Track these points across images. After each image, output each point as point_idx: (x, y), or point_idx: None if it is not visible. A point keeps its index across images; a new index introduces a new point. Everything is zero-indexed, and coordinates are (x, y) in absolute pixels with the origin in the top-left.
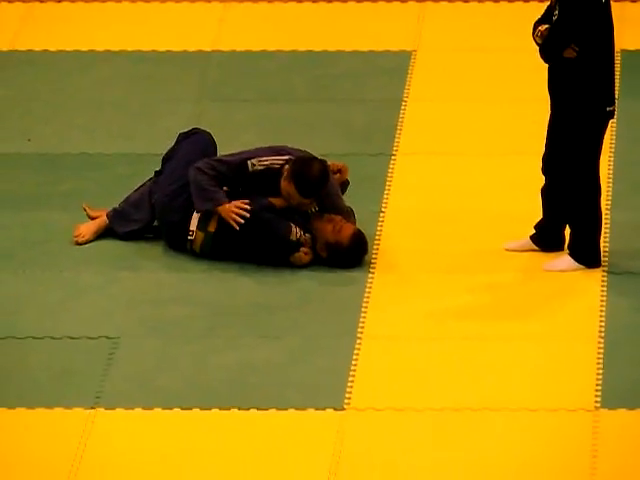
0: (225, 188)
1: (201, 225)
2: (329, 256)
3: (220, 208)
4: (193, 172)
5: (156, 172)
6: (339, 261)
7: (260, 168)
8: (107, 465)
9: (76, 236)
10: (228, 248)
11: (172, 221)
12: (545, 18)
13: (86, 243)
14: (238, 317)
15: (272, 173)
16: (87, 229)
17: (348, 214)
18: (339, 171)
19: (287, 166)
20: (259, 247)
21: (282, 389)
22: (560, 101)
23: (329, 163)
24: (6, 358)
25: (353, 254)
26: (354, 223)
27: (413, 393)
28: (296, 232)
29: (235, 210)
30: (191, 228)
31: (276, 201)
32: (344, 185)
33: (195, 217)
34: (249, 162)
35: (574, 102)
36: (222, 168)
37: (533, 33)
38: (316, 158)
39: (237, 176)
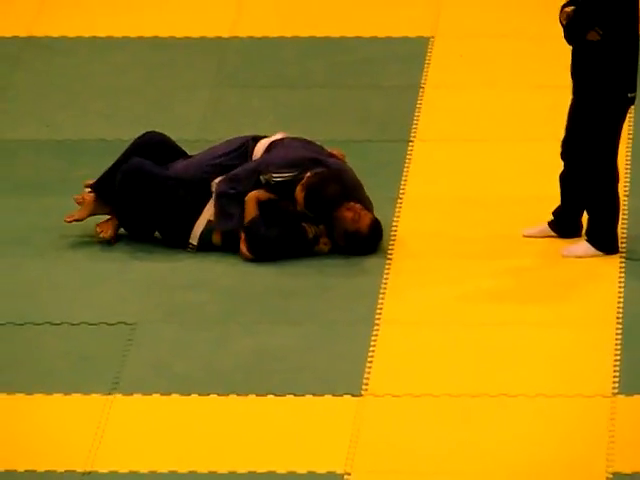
0: None
1: (203, 240)
2: (347, 244)
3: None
4: (216, 196)
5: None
6: (357, 249)
7: (272, 183)
8: (125, 451)
9: (99, 232)
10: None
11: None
12: (573, 1)
13: (111, 239)
14: (255, 303)
15: (284, 185)
16: (107, 225)
17: (368, 203)
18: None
19: (310, 174)
20: (282, 253)
21: (299, 375)
22: (582, 85)
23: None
24: (24, 344)
25: (371, 242)
26: (372, 212)
27: (431, 379)
28: (310, 230)
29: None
30: (191, 241)
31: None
32: None
33: (198, 229)
34: (262, 178)
35: (596, 87)
36: (240, 187)
37: (560, 15)
38: (336, 178)
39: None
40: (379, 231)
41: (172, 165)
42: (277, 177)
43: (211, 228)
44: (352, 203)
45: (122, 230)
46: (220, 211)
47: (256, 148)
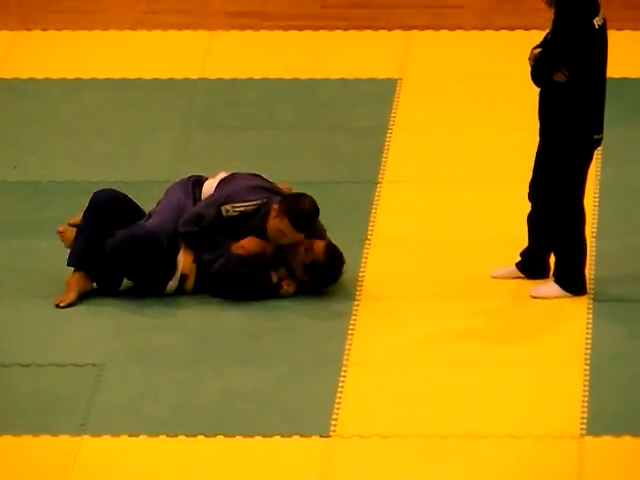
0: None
1: (178, 288)
2: (311, 277)
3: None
4: (182, 234)
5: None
6: (322, 278)
7: (234, 214)
8: None
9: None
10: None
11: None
12: (542, 43)
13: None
14: (223, 344)
15: (245, 216)
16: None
17: (324, 230)
18: None
19: (276, 206)
20: (247, 297)
21: (267, 416)
22: (549, 126)
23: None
24: None
25: (332, 266)
26: (326, 238)
27: (399, 420)
28: (274, 275)
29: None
30: (167, 292)
31: (241, 250)
32: None
33: (174, 283)
34: (223, 209)
35: (562, 128)
36: (203, 222)
37: (529, 56)
38: (302, 193)
39: (217, 223)
40: (336, 254)
41: (140, 223)
42: (239, 207)
43: (184, 277)
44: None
45: None
46: (197, 247)
47: (203, 191)
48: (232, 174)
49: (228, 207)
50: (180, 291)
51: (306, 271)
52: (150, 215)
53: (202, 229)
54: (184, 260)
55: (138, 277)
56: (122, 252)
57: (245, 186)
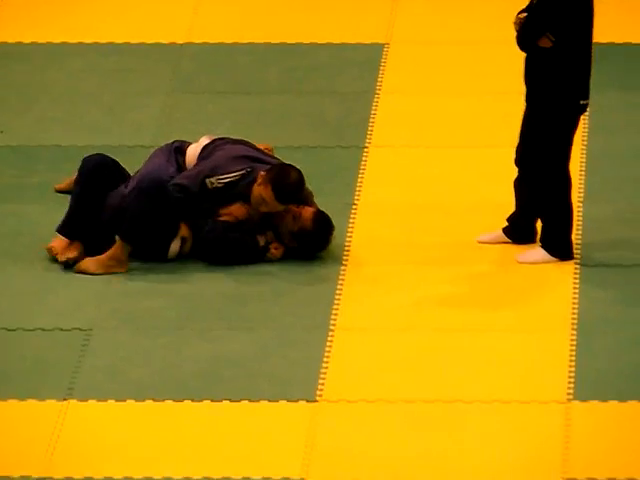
0: None
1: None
2: (299, 244)
3: None
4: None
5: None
6: (310, 245)
7: (219, 186)
8: (80, 456)
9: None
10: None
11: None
12: (527, 7)
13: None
14: (210, 309)
15: (230, 185)
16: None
17: (311, 196)
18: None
19: (262, 172)
20: (235, 261)
21: (254, 381)
22: (534, 92)
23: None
24: None
25: (321, 234)
26: (314, 204)
27: (385, 385)
28: (261, 239)
29: None
30: (170, 257)
31: (228, 217)
32: None
33: (176, 246)
34: (207, 181)
35: (548, 93)
36: (188, 192)
37: (514, 21)
38: (291, 165)
39: (202, 194)
40: (324, 220)
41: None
42: (224, 179)
43: (184, 240)
44: (287, 206)
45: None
46: (187, 216)
47: (187, 157)
48: (214, 140)
49: (213, 180)
50: (179, 255)
51: (294, 239)
52: (130, 180)
53: (187, 198)
54: (183, 224)
55: (147, 234)
56: (138, 204)
57: (228, 156)
